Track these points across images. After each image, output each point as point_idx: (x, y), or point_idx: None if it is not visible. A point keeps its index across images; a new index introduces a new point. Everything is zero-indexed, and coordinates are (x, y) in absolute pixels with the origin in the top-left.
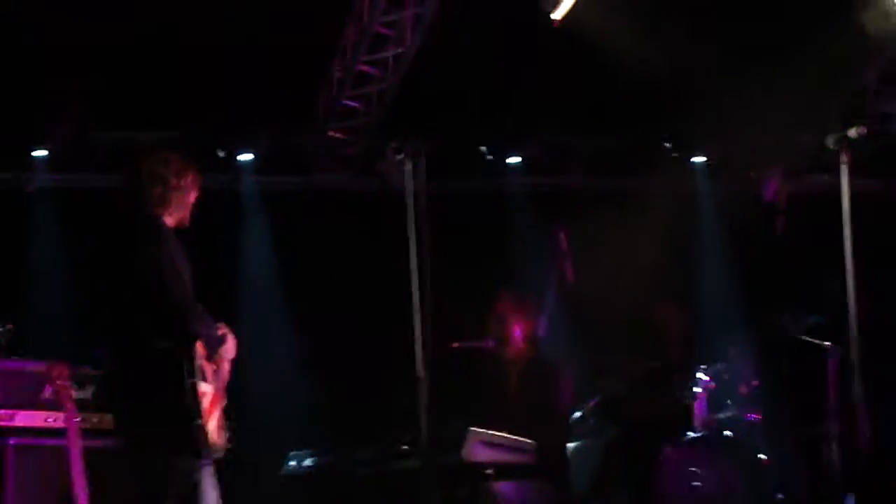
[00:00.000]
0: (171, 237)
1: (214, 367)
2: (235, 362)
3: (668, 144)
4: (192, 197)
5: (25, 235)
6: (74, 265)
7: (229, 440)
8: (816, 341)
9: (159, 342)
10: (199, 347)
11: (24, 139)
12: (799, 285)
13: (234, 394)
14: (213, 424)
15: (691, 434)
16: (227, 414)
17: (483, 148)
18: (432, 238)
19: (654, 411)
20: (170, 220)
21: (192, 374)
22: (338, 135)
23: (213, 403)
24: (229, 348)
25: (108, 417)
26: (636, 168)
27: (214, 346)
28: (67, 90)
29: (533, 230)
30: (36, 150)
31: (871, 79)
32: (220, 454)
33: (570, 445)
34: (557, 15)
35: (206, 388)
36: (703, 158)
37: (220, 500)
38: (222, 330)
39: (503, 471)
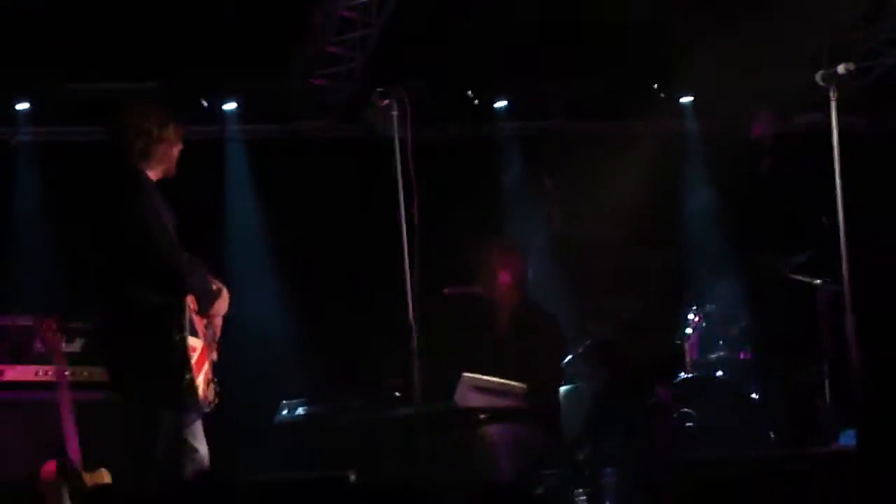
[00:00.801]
0: (154, 190)
1: (205, 321)
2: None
3: (655, 85)
4: (177, 149)
5: (10, 190)
6: (59, 219)
7: (217, 395)
8: (807, 279)
9: (148, 296)
10: (191, 301)
11: (7, 93)
12: (787, 223)
13: (224, 345)
14: (201, 379)
15: (683, 375)
16: (215, 370)
17: (469, 92)
18: (419, 184)
19: (645, 353)
20: (154, 174)
21: (181, 328)
22: (322, 82)
23: (201, 358)
24: (222, 304)
25: (98, 370)
26: (623, 110)
27: (208, 299)
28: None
29: (520, 175)
30: (19, 103)
31: (858, 15)
32: (208, 409)
33: (562, 389)
34: None
35: (195, 343)
36: (691, 98)
37: (208, 455)
38: (216, 285)
39: (495, 415)
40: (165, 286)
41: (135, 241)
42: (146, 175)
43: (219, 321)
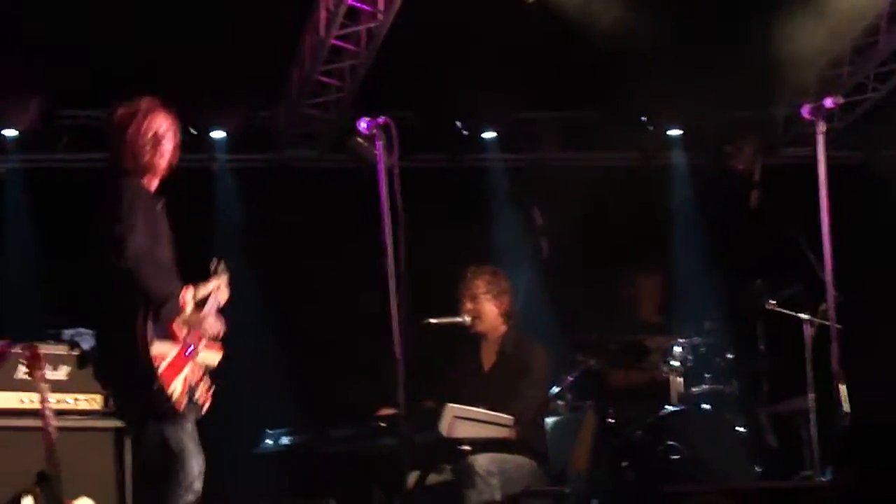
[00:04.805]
0: (136, 191)
1: (185, 327)
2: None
3: (643, 118)
4: (170, 143)
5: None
6: (48, 245)
7: (204, 402)
8: (793, 313)
9: (121, 301)
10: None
11: None
12: (775, 257)
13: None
14: (178, 384)
15: (669, 408)
16: (204, 375)
17: (458, 123)
18: (406, 214)
19: (632, 385)
20: (150, 180)
21: (143, 336)
22: (312, 111)
23: (175, 363)
24: (209, 323)
25: (84, 398)
26: (612, 141)
27: (165, 305)
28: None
29: (508, 205)
30: (6, 129)
31: (846, 49)
32: (195, 414)
33: (548, 421)
34: None
35: (163, 349)
36: (679, 131)
37: (202, 460)
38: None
39: (480, 446)
40: (129, 284)
41: (110, 236)
42: (135, 182)
43: (209, 326)
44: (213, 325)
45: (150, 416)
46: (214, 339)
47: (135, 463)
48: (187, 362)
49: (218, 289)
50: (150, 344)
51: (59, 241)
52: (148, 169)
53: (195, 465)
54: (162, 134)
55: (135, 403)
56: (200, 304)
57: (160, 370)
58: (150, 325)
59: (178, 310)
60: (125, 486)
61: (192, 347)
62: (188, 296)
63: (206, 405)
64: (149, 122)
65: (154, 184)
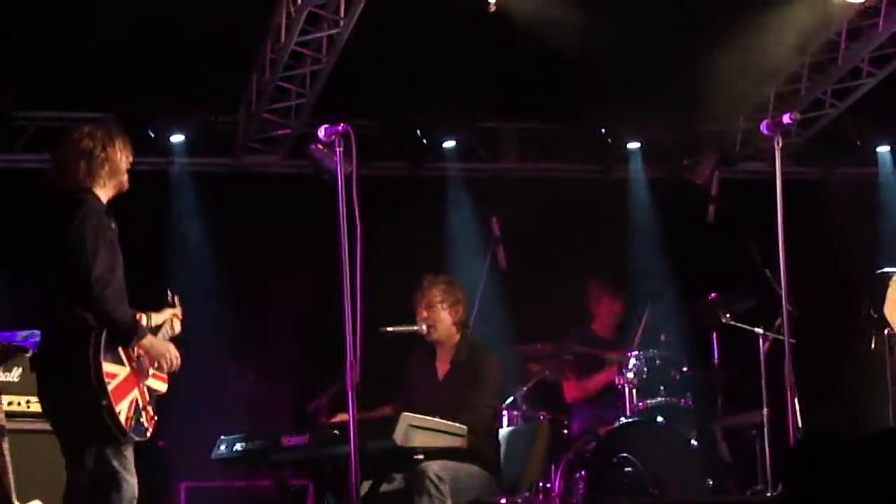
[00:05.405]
0: (99, 214)
1: (136, 351)
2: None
3: (603, 130)
4: (125, 161)
5: None
6: (2, 247)
7: (149, 425)
8: (748, 327)
9: (73, 317)
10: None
11: None
12: (731, 271)
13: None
14: (125, 406)
15: (623, 420)
16: (151, 401)
17: (418, 131)
18: (364, 222)
19: (586, 397)
20: (104, 193)
21: (96, 352)
22: (271, 116)
23: (125, 385)
24: (172, 353)
25: (35, 400)
26: (571, 153)
27: (126, 335)
28: None
29: (466, 214)
30: None
31: (804, 66)
32: (139, 438)
33: (502, 431)
34: None
35: (115, 370)
36: (637, 144)
37: (136, 485)
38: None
39: (434, 454)
40: (90, 309)
41: (72, 260)
42: (90, 197)
43: (172, 356)
44: (173, 358)
45: (93, 436)
46: (166, 370)
47: (69, 484)
48: (135, 385)
49: (171, 320)
50: (101, 360)
51: (12, 241)
52: (107, 189)
53: (129, 491)
54: (126, 162)
55: (79, 421)
56: (153, 333)
57: (110, 388)
58: (102, 343)
59: (142, 333)
60: None
61: (144, 372)
62: (142, 322)
63: (150, 431)
64: (119, 146)
65: (105, 200)
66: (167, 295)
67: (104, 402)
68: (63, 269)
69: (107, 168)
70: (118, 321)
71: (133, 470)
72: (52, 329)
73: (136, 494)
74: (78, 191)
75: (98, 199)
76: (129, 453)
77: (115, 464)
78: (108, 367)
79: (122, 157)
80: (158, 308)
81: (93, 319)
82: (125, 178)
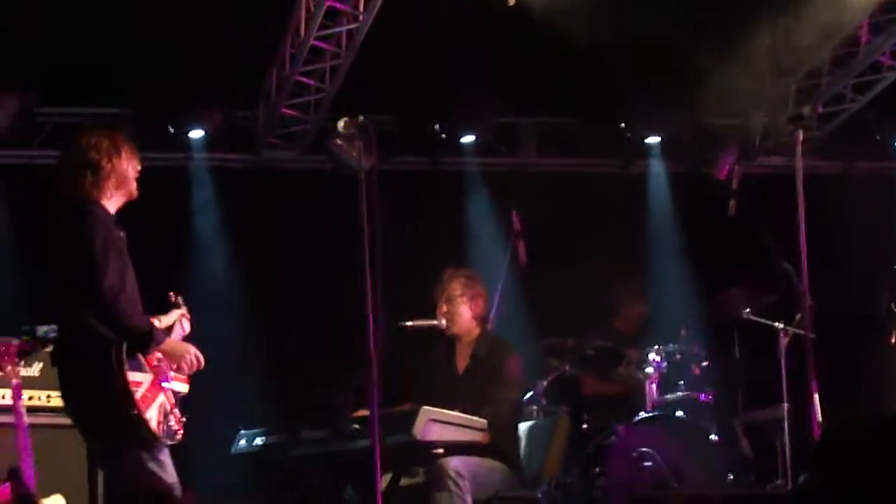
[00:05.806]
0: (107, 225)
1: (156, 356)
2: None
3: (622, 125)
4: (132, 171)
5: None
6: (25, 241)
7: (179, 427)
8: (768, 322)
9: (90, 329)
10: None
11: None
12: (752, 266)
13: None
14: (154, 412)
15: (643, 414)
16: (178, 404)
17: (437, 126)
18: (384, 216)
19: (606, 391)
20: (112, 203)
21: (120, 364)
22: (290, 111)
23: (151, 391)
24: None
25: (56, 395)
26: (590, 148)
27: (144, 344)
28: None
29: (486, 209)
30: None
31: (825, 60)
32: (172, 441)
33: (522, 425)
34: None
35: (139, 377)
36: (657, 139)
37: (177, 484)
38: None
39: (453, 449)
40: (105, 321)
41: (83, 272)
42: (97, 207)
43: (180, 353)
44: (193, 359)
45: (126, 443)
46: (188, 371)
47: (108, 488)
48: (160, 390)
49: (181, 320)
50: (126, 371)
51: (35, 237)
52: (115, 199)
53: (174, 490)
54: (133, 171)
55: (111, 432)
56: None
57: (137, 397)
58: (124, 354)
59: (160, 337)
60: (96, 483)
61: (165, 376)
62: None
63: (180, 433)
64: (125, 157)
65: (114, 209)
66: (170, 298)
67: (134, 412)
68: (74, 282)
69: (113, 180)
70: (133, 327)
71: (173, 472)
72: (70, 341)
73: (179, 494)
74: (85, 202)
75: (105, 210)
76: (164, 456)
77: (153, 467)
78: (132, 375)
79: (130, 167)
80: (164, 311)
81: (110, 332)
82: (133, 186)
